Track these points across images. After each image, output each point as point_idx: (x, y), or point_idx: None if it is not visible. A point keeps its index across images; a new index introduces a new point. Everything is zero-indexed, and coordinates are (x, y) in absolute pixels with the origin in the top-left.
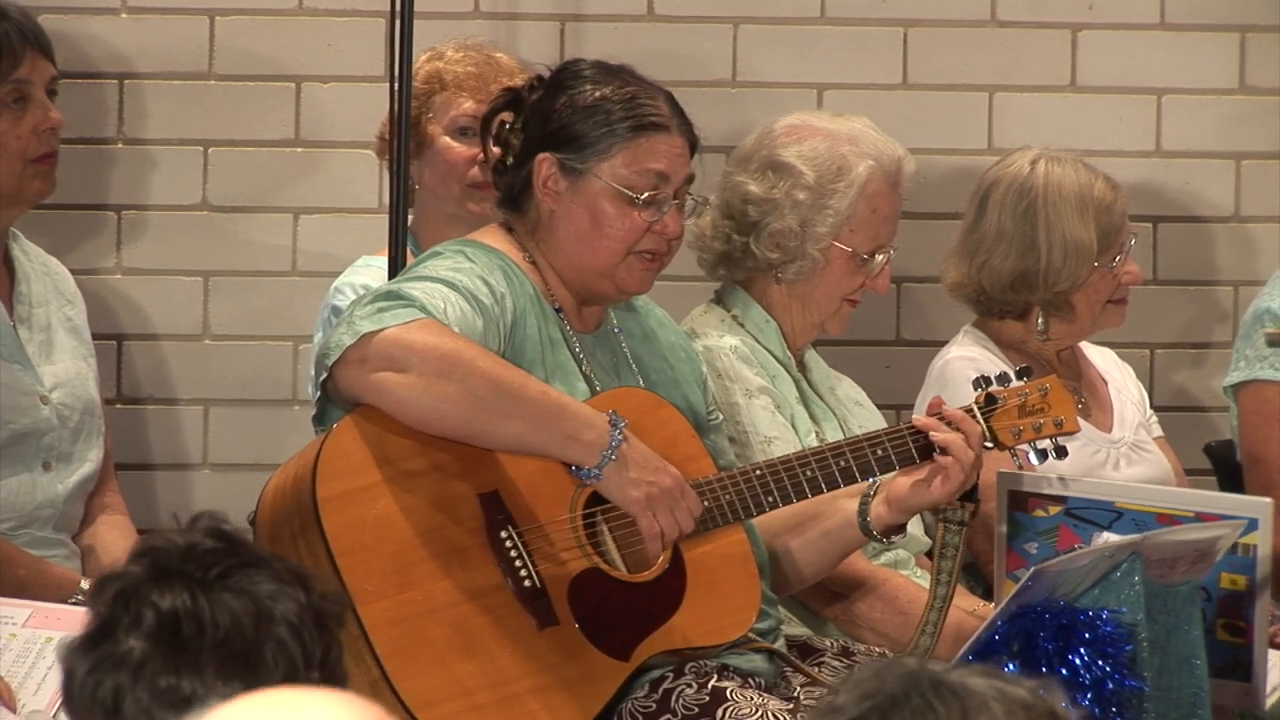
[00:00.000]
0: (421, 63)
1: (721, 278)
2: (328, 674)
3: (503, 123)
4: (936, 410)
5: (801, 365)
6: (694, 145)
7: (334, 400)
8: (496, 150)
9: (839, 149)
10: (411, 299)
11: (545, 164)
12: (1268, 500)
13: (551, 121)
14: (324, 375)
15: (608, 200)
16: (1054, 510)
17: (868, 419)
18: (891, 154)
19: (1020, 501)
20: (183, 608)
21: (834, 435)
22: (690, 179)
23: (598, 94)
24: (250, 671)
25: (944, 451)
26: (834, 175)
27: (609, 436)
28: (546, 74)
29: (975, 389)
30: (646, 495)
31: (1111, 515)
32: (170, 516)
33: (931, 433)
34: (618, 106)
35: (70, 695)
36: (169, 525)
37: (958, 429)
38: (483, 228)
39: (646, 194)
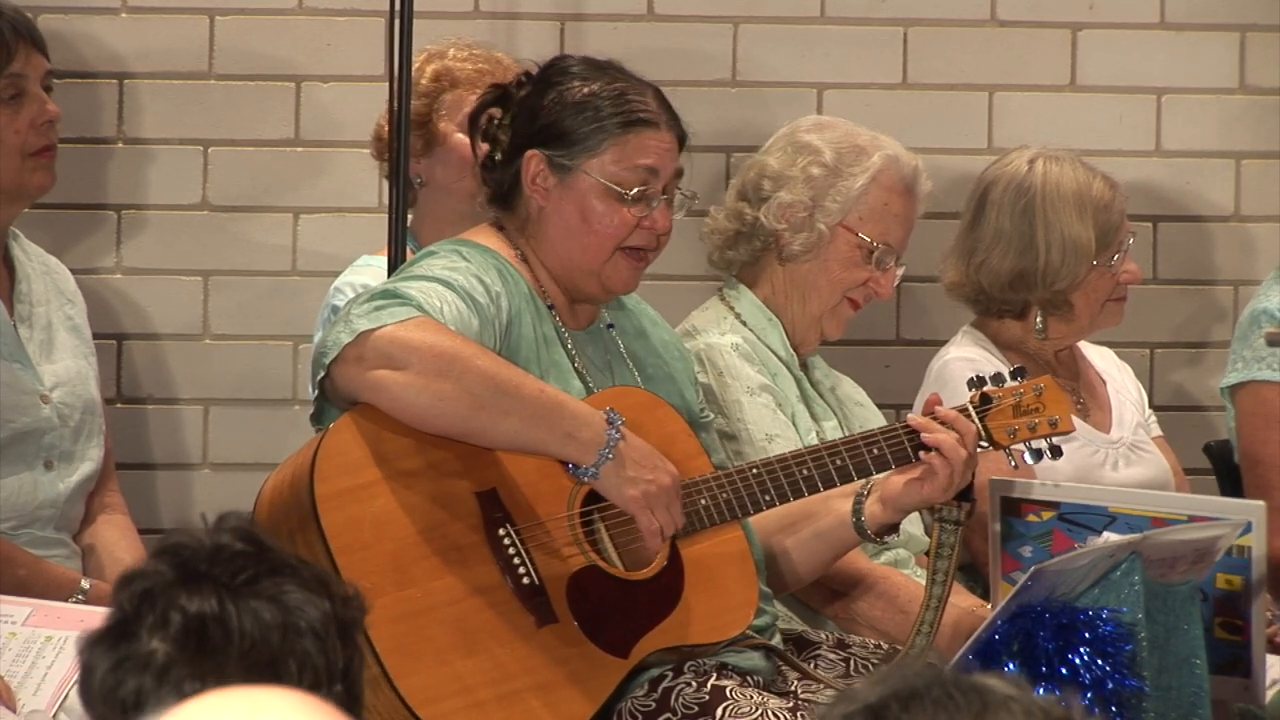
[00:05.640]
0: (422, 62)
1: (729, 261)
2: (349, 685)
3: (491, 118)
4: (932, 408)
5: (803, 364)
6: (682, 140)
7: (331, 399)
8: (484, 146)
9: (859, 139)
10: (409, 297)
11: (534, 161)
12: (1260, 503)
13: (540, 118)
14: (321, 374)
15: (597, 197)
16: (1047, 515)
17: (868, 419)
18: (910, 161)
19: (1013, 506)
20: (210, 613)
21: (835, 434)
22: (679, 174)
23: (586, 90)
24: (274, 682)
25: (936, 451)
26: (852, 158)
27: (606, 434)
28: (535, 70)
29: (970, 388)
30: (644, 493)
31: (1105, 519)
32: (169, 515)
33: (924, 434)
34: (606, 103)
35: (88, 691)
36: (195, 524)
37: (952, 429)
38: (475, 227)
39: (636, 190)
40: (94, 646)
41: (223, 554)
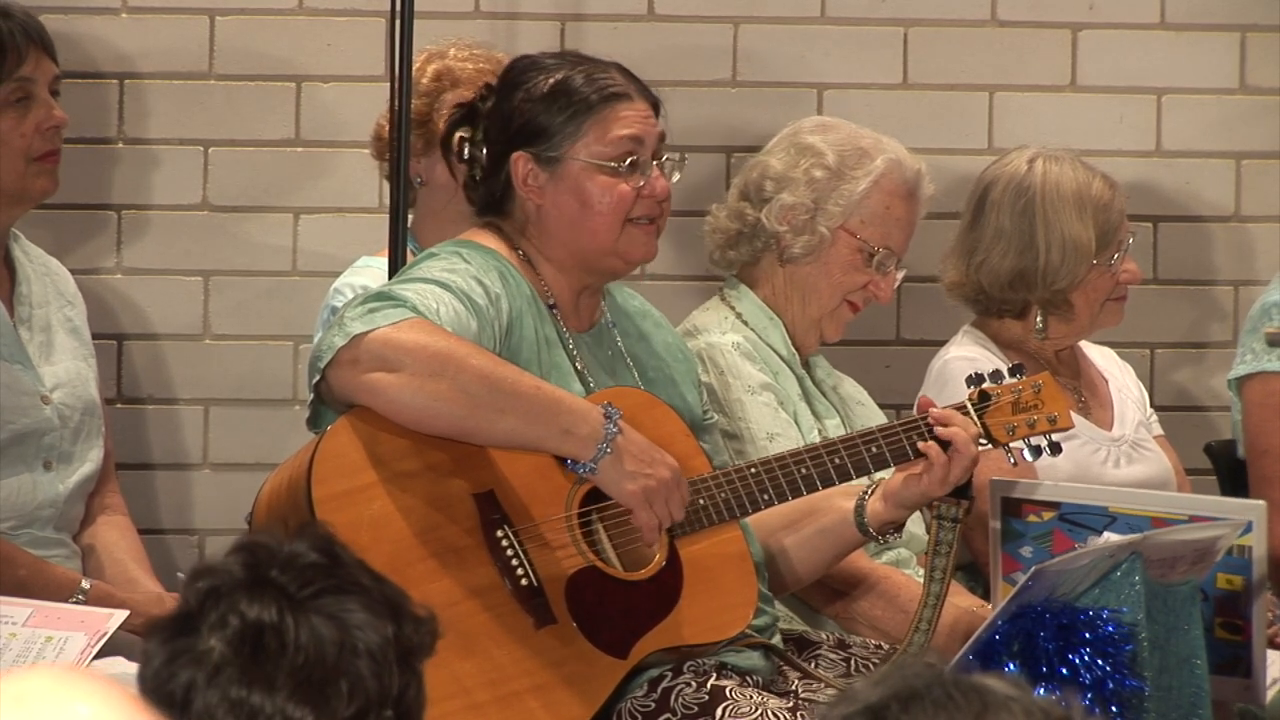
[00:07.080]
0: (423, 62)
1: (730, 260)
2: (402, 712)
3: (462, 139)
4: (925, 410)
5: (805, 364)
6: (656, 105)
7: (328, 402)
8: (463, 167)
9: (862, 142)
10: (403, 299)
11: (521, 162)
12: (1260, 503)
13: (514, 120)
14: (317, 377)
15: (590, 178)
16: (1048, 516)
17: (870, 418)
18: (913, 165)
19: (1013, 506)
20: (268, 622)
21: (837, 432)
22: (662, 138)
23: (552, 80)
24: (323, 700)
25: (951, 445)
26: (854, 161)
27: (604, 429)
28: (494, 81)
29: (969, 386)
30: (643, 488)
31: (1105, 520)
32: (169, 515)
33: (938, 426)
34: (575, 87)
35: (143, 680)
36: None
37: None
38: (474, 228)
39: (627, 161)
40: (155, 637)
41: (295, 562)
